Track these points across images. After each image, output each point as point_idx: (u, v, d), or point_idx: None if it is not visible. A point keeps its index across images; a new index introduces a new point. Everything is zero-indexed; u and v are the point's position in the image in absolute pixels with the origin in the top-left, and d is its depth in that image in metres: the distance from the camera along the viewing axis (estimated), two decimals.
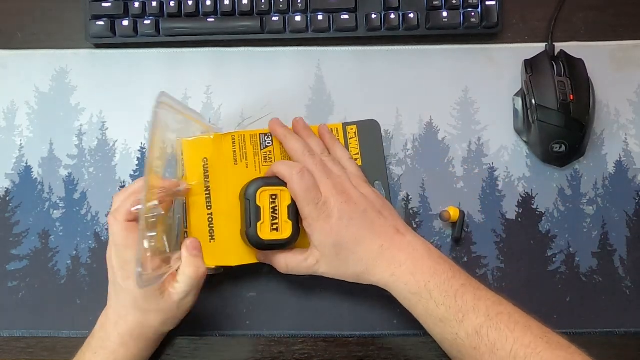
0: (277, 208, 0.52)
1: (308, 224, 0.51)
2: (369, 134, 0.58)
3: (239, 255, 0.55)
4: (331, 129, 0.58)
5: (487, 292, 0.48)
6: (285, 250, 0.53)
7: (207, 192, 0.55)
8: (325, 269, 0.52)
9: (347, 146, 0.58)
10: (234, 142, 0.56)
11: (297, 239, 0.53)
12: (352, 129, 0.58)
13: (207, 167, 0.55)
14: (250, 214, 0.52)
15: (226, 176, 0.55)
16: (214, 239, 0.55)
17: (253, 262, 0.55)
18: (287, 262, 0.53)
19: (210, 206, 0.55)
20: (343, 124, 0.58)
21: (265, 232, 0.52)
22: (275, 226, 0.52)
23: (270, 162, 0.56)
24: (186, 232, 0.55)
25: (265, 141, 0.57)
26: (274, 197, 0.52)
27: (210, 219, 0.55)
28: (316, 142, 0.56)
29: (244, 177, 0.55)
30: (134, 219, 0.49)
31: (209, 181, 0.55)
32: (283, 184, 0.52)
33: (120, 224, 0.49)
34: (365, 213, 0.51)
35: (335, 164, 0.54)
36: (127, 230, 0.49)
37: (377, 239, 0.51)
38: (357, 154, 0.58)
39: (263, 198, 0.52)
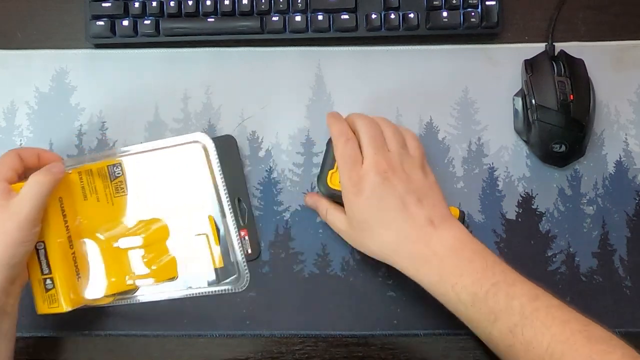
0: None
1: (343, 193, 0.51)
2: (227, 151, 0.59)
3: (110, 287, 0.56)
4: None
5: (523, 287, 0.46)
6: (335, 203, 0.54)
7: (68, 232, 0.55)
8: (351, 240, 0.53)
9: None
10: (81, 178, 0.56)
11: None
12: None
13: (63, 207, 0.55)
14: (325, 160, 0.56)
15: (80, 212, 0.56)
16: (79, 276, 0.55)
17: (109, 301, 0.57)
18: (328, 213, 0.54)
19: (72, 245, 0.55)
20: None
21: (334, 182, 0.54)
22: None
23: (123, 192, 0.57)
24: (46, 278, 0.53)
25: (115, 172, 0.57)
26: None
27: (74, 257, 0.55)
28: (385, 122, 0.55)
29: (97, 212, 0.57)
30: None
31: (67, 219, 0.55)
32: None
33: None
34: (402, 197, 0.49)
35: (397, 141, 0.53)
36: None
37: (406, 228, 0.49)
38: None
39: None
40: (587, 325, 0.43)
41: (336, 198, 0.55)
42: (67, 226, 0.55)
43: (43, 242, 0.52)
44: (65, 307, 0.52)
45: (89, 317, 0.57)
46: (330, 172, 0.55)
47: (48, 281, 0.52)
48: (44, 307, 0.53)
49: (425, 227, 0.49)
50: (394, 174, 0.50)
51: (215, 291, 0.57)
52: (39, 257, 0.52)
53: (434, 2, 0.61)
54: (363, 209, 0.50)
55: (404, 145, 0.54)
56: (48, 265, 0.52)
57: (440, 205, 0.51)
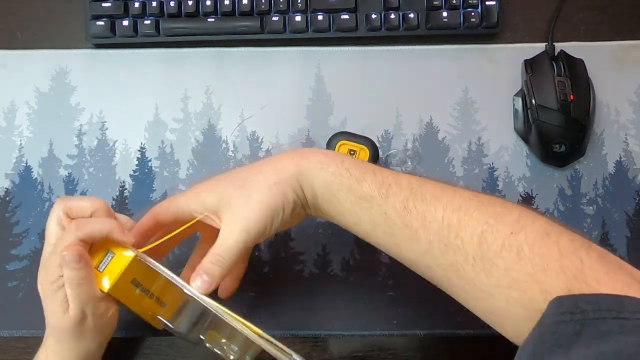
0: None
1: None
2: None
3: None
4: None
5: (407, 178, 0.43)
6: None
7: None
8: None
9: None
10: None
11: None
12: None
13: (138, 283, 0.47)
14: None
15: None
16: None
17: None
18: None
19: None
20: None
21: None
22: None
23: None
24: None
25: None
26: (352, 152, 0.55)
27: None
28: None
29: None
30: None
31: (149, 289, 0.47)
32: (365, 142, 0.55)
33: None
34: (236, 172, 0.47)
35: None
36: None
37: (264, 167, 0.45)
38: None
39: (342, 150, 0.55)
40: (476, 194, 0.41)
41: None
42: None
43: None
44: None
45: None
46: None
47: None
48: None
49: (298, 150, 0.46)
50: None
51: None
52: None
53: (434, 2, 0.61)
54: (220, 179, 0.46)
55: None
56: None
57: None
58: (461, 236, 0.39)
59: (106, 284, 0.45)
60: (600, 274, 0.35)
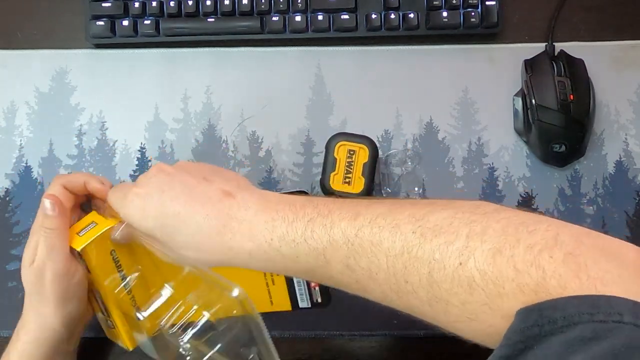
0: (352, 163, 0.55)
1: (120, 213, 0.44)
2: None
3: None
4: None
5: (341, 211, 0.38)
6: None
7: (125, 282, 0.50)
8: (164, 257, 0.45)
9: None
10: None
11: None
12: None
13: (117, 258, 0.49)
14: (326, 163, 0.56)
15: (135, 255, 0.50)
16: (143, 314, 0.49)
17: None
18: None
19: (130, 291, 0.50)
20: None
21: (336, 183, 0.55)
22: (347, 179, 0.55)
23: None
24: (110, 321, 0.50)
25: None
26: (351, 152, 0.55)
27: (133, 301, 0.50)
28: None
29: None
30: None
31: (122, 270, 0.50)
32: (365, 142, 0.56)
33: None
34: (183, 182, 0.42)
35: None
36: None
37: (200, 208, 0.40)
38: None
39: (341, 151, 0.55)
40: (422, 218, 0.36)
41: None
42: (124, 275, 0.50)
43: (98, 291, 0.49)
44: (129, 347, 0.51)
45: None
46: (332, 174, 0.56)
47: (109, 322, 0.51)
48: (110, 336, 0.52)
49: (222, 199, 0.41)
50: (163, 167, 0.44)
51: None
52: (96, 300, 0.50)
53: (434, 2, 0.61)
54: (147, 210, 0.42)
55: None
56: (106, 309, 0.50)
57: (232, 176, 0.44)
58: (410, 282, 0.36)
59: (79, 243, 0.47)
60: (567, 279, 0.30)
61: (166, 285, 0.47)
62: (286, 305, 0.55)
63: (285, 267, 0.40)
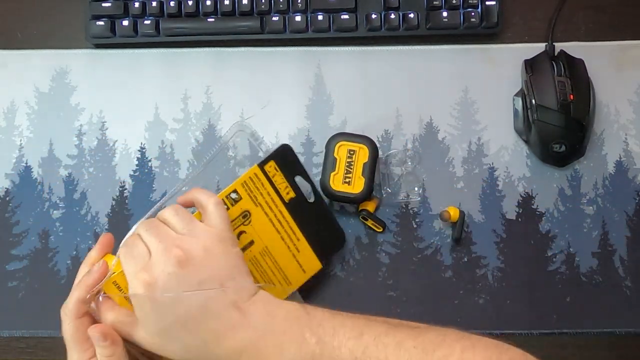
0: (352, 163, 0.55)
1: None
2: (287, 160, 0.54)
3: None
4: (246, 178, 0.52)
5: (345, 330, 0.42)
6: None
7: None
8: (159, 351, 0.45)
9: (274, 186, 0.53)
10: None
11: (367, 198, 0.56)
12: (270, 166, 0.53)
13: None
14: (326, 163, 0.56)
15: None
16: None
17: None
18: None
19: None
20: (258, 164, 0.53)
21: (336, 183, 0.56)
22: (347, 179, 0.55)
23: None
24: None
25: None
26: (351, 152, 0.56)
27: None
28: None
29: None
30: (85, 314, 0.45)
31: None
32: (364, 141, 0.56)
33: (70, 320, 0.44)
34: (201, 285, 0.43)
35: (181, 224, 0.46)
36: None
37: (211, 323, 0.42)
38: (287, 186, 0.54)
39: (341, 151, 0.56)
40: (418, 336, 0.41)
41: (339, 199, 0.56)
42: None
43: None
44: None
45: None
46: (332, 174, 0.56)
47: None
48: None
49: (232, 315, 0.43)
50: (184, 246, 0.44)
51: None
52: None
53: (434, 2, 0.61)
54: (159, 311, 0.43)
55: (190, 223, 0.46)
56: None
57: (244, 276, 0.45)
58: None
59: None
60: None
61: None
62: (316, 264, 0.55)
63: None
